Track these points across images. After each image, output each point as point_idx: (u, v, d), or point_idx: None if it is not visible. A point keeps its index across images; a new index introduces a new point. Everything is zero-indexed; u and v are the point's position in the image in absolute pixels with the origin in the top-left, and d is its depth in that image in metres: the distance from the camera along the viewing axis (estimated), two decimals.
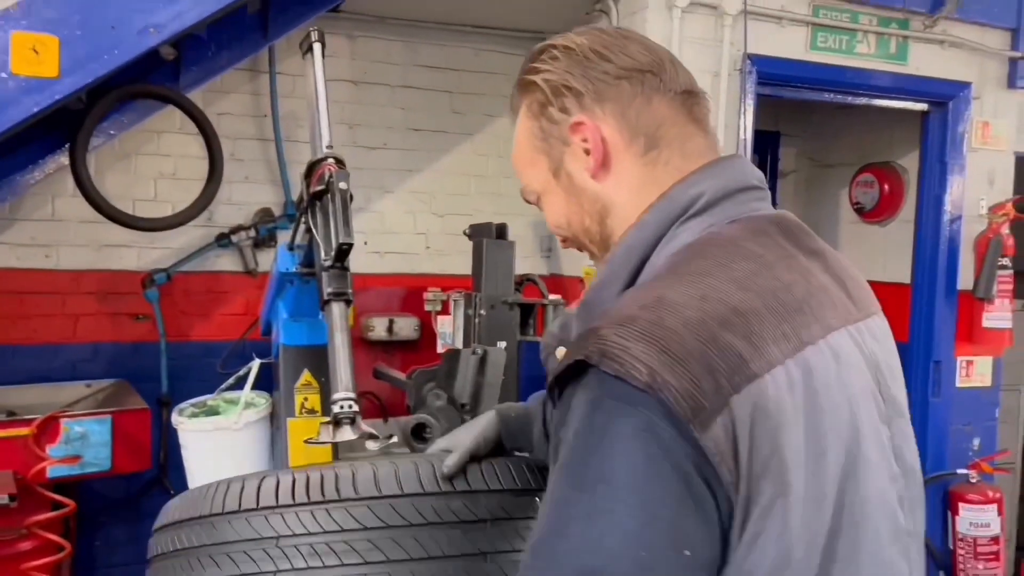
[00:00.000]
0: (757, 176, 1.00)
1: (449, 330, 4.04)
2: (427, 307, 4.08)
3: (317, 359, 2.60)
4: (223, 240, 3.82)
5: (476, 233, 2.66)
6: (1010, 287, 3.80)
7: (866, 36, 3.65)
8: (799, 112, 4.71)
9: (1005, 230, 3.79)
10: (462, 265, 4.18)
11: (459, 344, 2.53)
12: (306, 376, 2.57)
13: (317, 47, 2.54)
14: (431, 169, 4.25)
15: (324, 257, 2.15)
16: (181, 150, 3.77)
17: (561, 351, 0.99)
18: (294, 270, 2.54)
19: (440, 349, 4.03)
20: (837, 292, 0.94)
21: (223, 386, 2.65)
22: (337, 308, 2.12)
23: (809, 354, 0.84)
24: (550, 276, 4.23)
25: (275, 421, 2.70)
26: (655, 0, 3.30)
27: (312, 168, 2.34)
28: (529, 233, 4.34)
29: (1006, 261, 3.77)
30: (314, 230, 2.24)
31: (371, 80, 4.07)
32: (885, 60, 3.71)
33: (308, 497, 1.13)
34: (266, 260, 3.90)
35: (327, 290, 2.12)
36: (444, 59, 4.19)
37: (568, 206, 1.05)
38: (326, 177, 2.21)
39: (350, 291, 2.15)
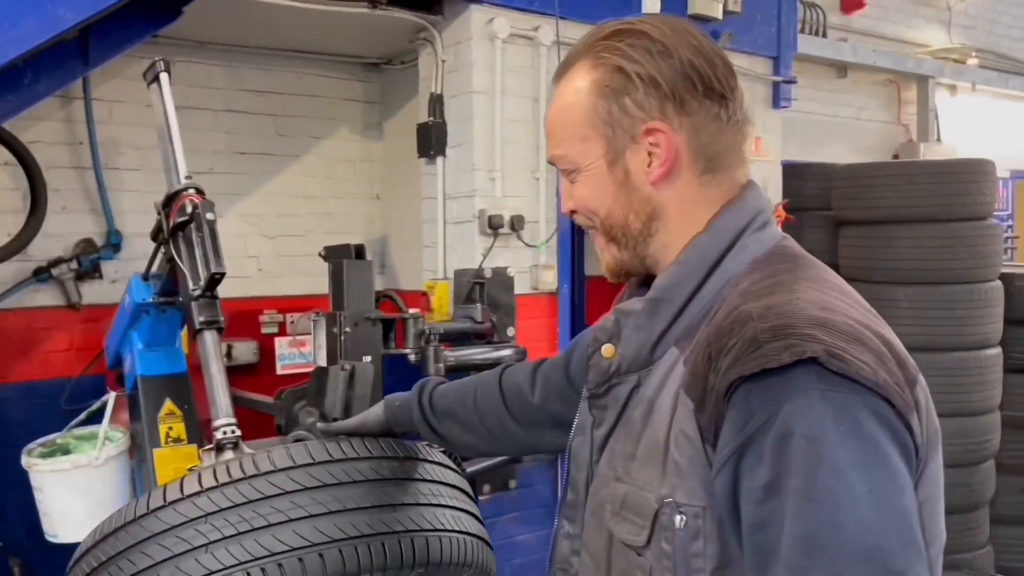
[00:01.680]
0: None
1: (288, 351, 4.09)
2: (264, 329, 4.11)
3: (177, 387, 2.64)
4: (41, 274, 3.64)
5: (332, 254, 2.78)
6: None
7: None
8: None
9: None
10: (297, 286, 4.25)
11: (322, 362, 2.64)
12: (168, 405, 2.57)
13: (164, 76, 2.55)
14: (259, 192, 4.26)
15: (193, 287, 2.19)
16: None
17: (608, 348, 1.06)
18: (151, 300, 2.53)
19: (280, 371, 4.07)
20: None
21: (73, 423, 2.61)
22: (210, 336, 2.17)
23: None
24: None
25: (136, 454, 2.67)
26: (478, 31, 3.57)
27: (171, 199, 2.36)
28: None
29: None
30: (178, 260, 2.26)
31: (193, 105, 4.02)
32: None
33: (230, 476, 1.21)
34: (90, 292, 3.76)
35: (199, 319, 2.16)
36: (267, 83, 4.23)
37: (615, 199, 1.05)
38: (188, 208, 2.25)
39: (222, 319, 2.21)
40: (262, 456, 1.27)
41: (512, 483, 3.51)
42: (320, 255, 2.84)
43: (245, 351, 4.01)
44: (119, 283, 3.82)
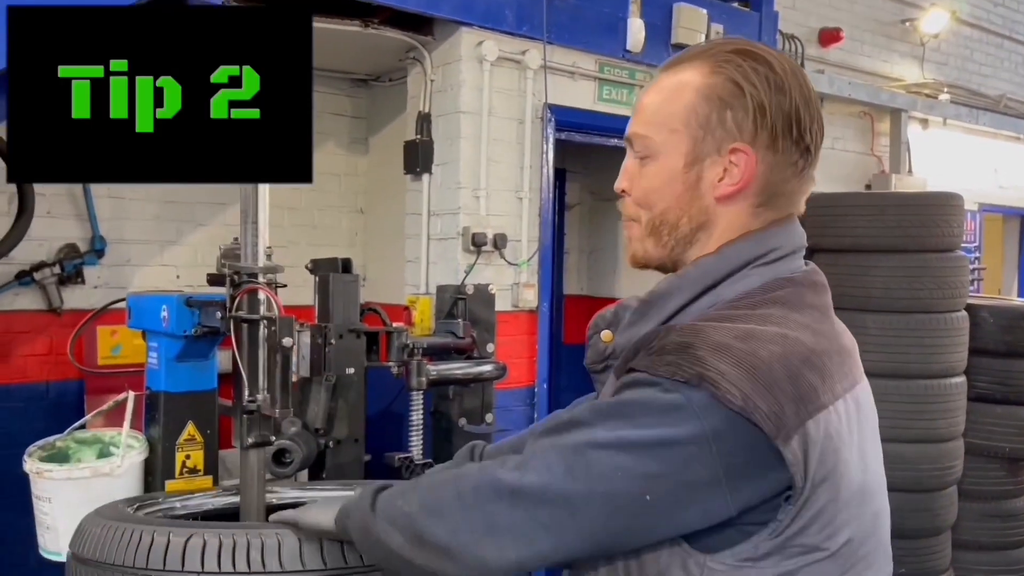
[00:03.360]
0: (804, 238, 1.13)
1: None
2: None
3: (203, 408, 2.44)
4: (24, 278, 3.64)
5: (319, 268, 2.81)
6: None
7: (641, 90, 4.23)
8: (581, 152, 5.26)
9: None
10: (281, 296, 4.26)
11: (305, 373, 2.67)
12: (190, 429, 2.41)
13: None
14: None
15: (248, 398, 2.09)
16: None
17: (607, 333, 1.14)
18: (192, 333, 2.33)
19: None
20: (854, 349, 1.13)
21: (75, 424, 2.51)
22: (256, 456, 2.10)
23: (858, 391, 1.05)
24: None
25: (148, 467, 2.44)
26: (467, 53, 3.65)
27: (240, 278, 2.18)
28: None
29: None
30: (237, 356, 2.13)
31: None
32: None
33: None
34: (72, 297, 3.76)
35: (248, 438, 2.10)
36: None
37: (678, 199, 1.08)
38: (262, 324, 2.13)
39: (273, 438, 2.15)
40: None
41: (489, 417, 3.39)
42: (307, 268, 2.87)
43: (224, 359, 4.01)
44: (102, 289, 3.83)
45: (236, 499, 2.10)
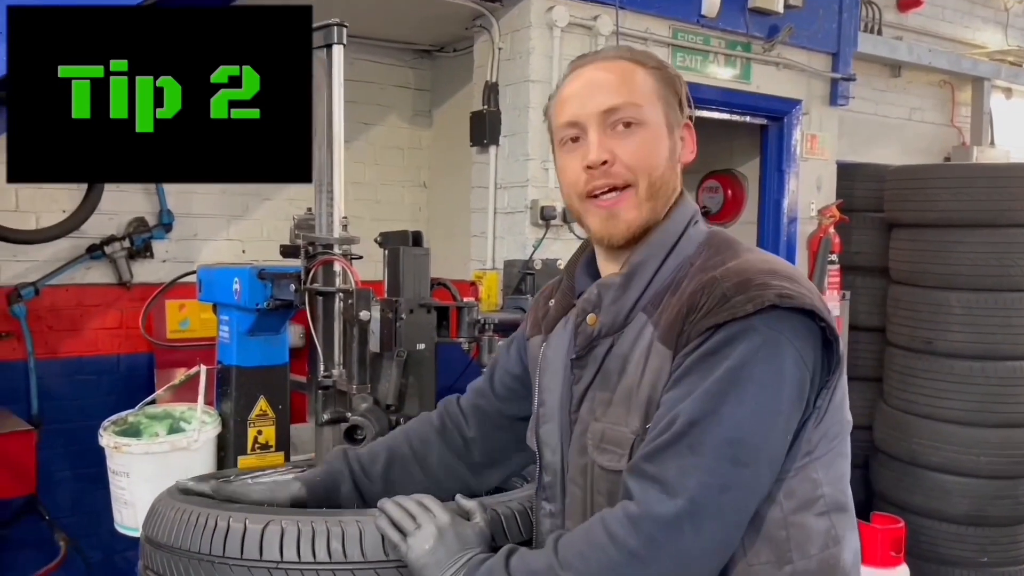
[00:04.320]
0: None
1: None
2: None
3: (275, 382, 2.42)
4: (95, 252, 3.66)
5: (388, 240, 2.74)
6: (838, 280, 4.34)
7: (716, 57, 4.07)
8: None
9: (832, 230, 4.33)
10: None
11: (376, 348, 2.61)
12: (262, 404, 2.38)
13: (337, 49, 2.21)
14: None
15: (324, 373, 2.17)
16: None
17: (592, 316, 1.24)
18: (265, 306, 2.32)
19: None
20: None
21: (147, 400, 2.50)
22: (330, 432, 2.16)
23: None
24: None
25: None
26: (536, 19, 3.53)
27: (315, 248, 2.22)
28: None
29: (834, 257, 4.31)
30: (313, 331, 2.16)
31: None
32: (732, 79, 4.14)
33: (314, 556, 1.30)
34: (141, 271, 3.78)
35: (324, 414, 2.18)
36: None
37: (667, 161, 1.23)
38: (338, 295, 2.16)
39: (349, 415, 2.21)
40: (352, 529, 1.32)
41: None
42: (376, 241, 2.80)
43: (295, 334, 4.00)
44: (169, 263, 3.84)
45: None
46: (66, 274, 3.62)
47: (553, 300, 1.40)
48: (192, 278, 2.86)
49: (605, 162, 1.18)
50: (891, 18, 5.95)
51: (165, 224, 3.82)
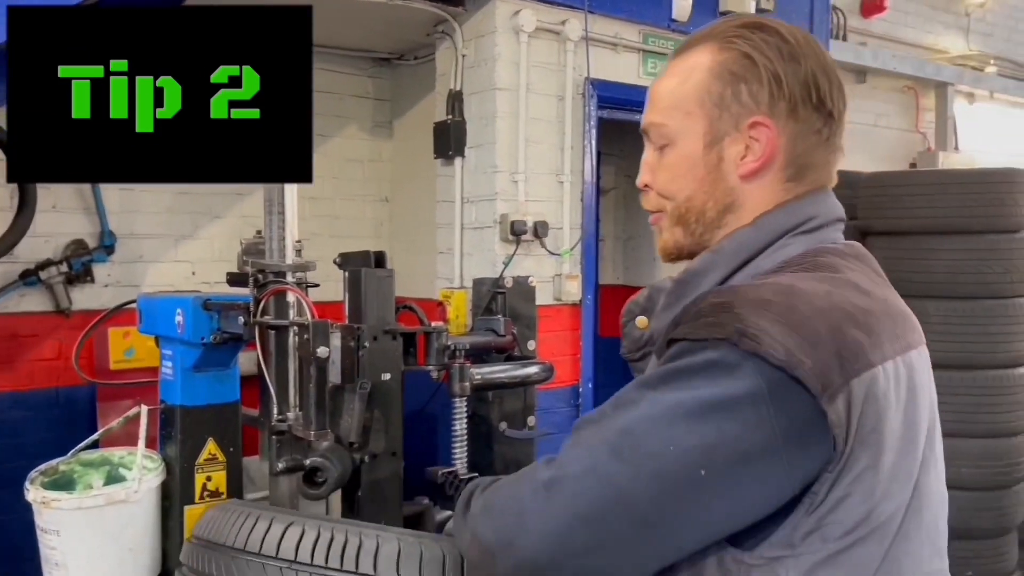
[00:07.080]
0: (842, 211, 1.09)
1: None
2: None
3: (225, 422, 2.19)
4: (29, 278, 3.40)
5: (349, 262, 2.53)
6: None
7: None
8: (617, 133, 4.96)
9: None
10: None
11: (336, 380, 2.39)
12: (211, 447, 2.15)
13: None
14: (262, 191, 4.02)
15: (278, 416, 1.99)
16: None
17: (642, 320, 1.17)
18: (211, 340, 2.10)
19: None
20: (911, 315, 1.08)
21: (81, 445, 2.22)
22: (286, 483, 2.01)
23: (912, 356, 0.97)
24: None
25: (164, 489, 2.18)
26: (502, 24, 3.35)
27: (264, 277, 2.04)
28: None
29: None
30: (264, 367, 2.02)
31: None
32: None
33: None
34: (81, 297, 3.52)
35: (279, 464, 1.99)
36: None
37: (701, 183, 1.04)
38: (292, 328, 2.00)
39: (306, 463, 2.02)
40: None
41: (531, 420, 3.18)
42: (335, 262, 2.59)
43: (246, 361, 3.76)
44: (112, 287, 3.59)
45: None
46: None
47: None
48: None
49: (647, 185, 1.10)
50: (855, 24, 5.92)
51: (107, 246, 3.57)
